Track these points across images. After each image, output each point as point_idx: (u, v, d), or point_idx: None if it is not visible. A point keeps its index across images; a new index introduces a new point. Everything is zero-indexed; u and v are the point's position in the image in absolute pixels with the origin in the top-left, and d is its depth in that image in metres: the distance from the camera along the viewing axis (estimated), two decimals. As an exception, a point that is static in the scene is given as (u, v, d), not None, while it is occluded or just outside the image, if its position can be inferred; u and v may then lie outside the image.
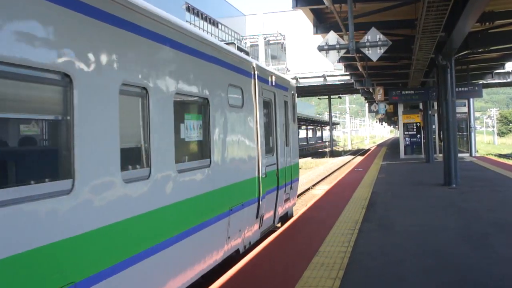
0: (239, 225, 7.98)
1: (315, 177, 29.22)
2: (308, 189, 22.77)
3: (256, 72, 9.05)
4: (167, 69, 5.64)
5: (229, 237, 7.49)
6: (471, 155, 31.27)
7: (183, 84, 6.02)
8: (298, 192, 21.00)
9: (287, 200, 11.48)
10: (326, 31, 14.82)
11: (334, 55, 11.97)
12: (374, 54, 11.64)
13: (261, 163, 9.03)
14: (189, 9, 54.55)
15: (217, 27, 61.82)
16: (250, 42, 68.26)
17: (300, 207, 17.34)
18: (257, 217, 8.92)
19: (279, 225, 11.21)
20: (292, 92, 12.32)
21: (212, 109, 6.91)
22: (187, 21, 50.67)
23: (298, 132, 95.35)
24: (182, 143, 6.21)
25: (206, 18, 58.97)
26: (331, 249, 7.80)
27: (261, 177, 8.98)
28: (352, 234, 8.89)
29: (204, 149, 6.82)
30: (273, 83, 10.29)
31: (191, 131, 6.43)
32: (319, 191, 21.42)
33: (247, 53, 9.69)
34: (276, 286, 6.13)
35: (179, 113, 6.09)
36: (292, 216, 12.22)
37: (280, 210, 10.89)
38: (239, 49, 9.37)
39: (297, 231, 9.44)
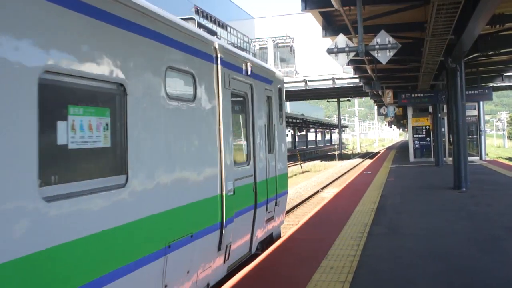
0: (186, 265, 5.69)
1: (324, 180, 29.17)
2: (317, 192, 22.74)
3: (219, 55, 6.75)
4: (19, 29, 3.42)
5: (166, 286, 5.26)
6: (481, 158, 31.09)
7: (66, 57, 3.83)
8: (306, 196, 21.02)
9: (270, 219, 9.18)
10: (335, 33, 14.80)
11: (343, 58, 11.95)
12: (384, 57, 11.61)
13: (225, 176, 6.71)
14: (198, 12, 54.77)
15: (226, 29, 61.96)
16: (259, 44, 68.44)
17: (309, 210, 17.33)
18: (219, 248, 6.61)
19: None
20: (279, 86, 10.07)
21: (131, 101, 4.63)
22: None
23: (307, 136, 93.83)
24: (61, 152, 3.94)
25: (215, 21, 59.15)
26: (340, 253, 7.79)
27: (225, 195, 6.67)
28: (361, 237, 8.86)
29: (114, 161, 4.56)
30: (249, 73, 8.05)
31: (85, 133, 4.12)
32: (328, 194, 21.38)
33: (213, 33, 7.57)
34: (285, 289, 6.14)
35: (57, 105, 3.94)
36: (279, 237, 9.96)
37: (260, 234, 8.67)
38: (200, 25, 7.22)
39: (306, 234, 9.43)
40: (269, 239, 9.52)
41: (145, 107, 4.91)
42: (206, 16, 56.89)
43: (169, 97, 5.37)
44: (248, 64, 8.06)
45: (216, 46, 6.77)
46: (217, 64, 6.75)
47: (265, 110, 9.02)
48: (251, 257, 8.27)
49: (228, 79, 7.06)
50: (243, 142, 8.04)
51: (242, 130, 8.00)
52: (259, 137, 8.55)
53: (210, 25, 55.98)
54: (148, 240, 4.86)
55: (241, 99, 7.95)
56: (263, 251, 8.76)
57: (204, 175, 6.20)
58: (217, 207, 6.53)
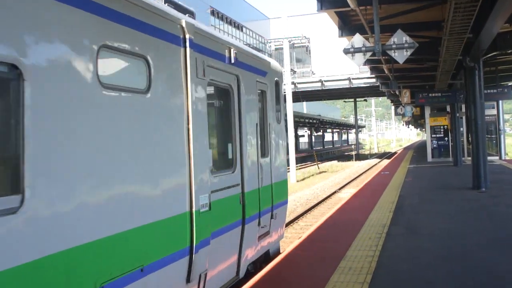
0: None
1: (341, 180, 29.09)
2: (335, 192, 22.68)
3: (187, 36, 5.35)
4: None
5: None
6: (500, 158, 30.72)
7: None
8: (324, 196, 20.97)
9: (265, 235, 7.65)
10: (351, 33, 14.78)
11: (360, 57, 11.91)
12: (401, 56, 11.56)
13: (196, 188, 5.28)
14: (213, 13, 54.96)
15: (242, 30, 62.09)
16: (275, 45, 68.40)
17: (326, 210, 17.29)
18: (189, 280, 5.20)
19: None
20: (275, 78, 8.49)
21: (32, 89, 3.25)
22: (211, 25, 51.08)
23: (324, 136, 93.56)
24: None
25: (230, 22, 59.31)
26: (358, 253, 7.77)
27: (196, 211, 5.25)
28: (380, 238, 8.83)
29: None
30: (234, 61, 6.52)
31: None
32: (346, 194, 21.31)
33: (186, 11, 6.26)
34: (303, 290, 6.15)
35: None
36: (277, 254, 8.44)
37: (251, 254, 7.11)
38: (168, 1, 5.92)
39: (324, 235, 9.43)
40: (265, 257, 8.00)
41: (58, 98, 3.51)
42: (221, 17, 57.09)
43: (104, 86, 4.00)
44: (232, 50, 6.54)
45: (184, 25, 5.34)
46: (185, 47, 5.36)
47: (257, 107, 7.55)
48: (241, 280, 6.89)
49: (201, 66, 5.64)
50: (226, 144, 6.66)
51: (225, 130, 6.68)
52: (249, 139, 7.03)
53: (225, 26, 56.22)
54: (63, 284, 3.48)
55: (224, 92, 6.54)
56: (257, 271, 7.41)
57: (162, 189, 4.79)
58: (185, 228, 5.11)
